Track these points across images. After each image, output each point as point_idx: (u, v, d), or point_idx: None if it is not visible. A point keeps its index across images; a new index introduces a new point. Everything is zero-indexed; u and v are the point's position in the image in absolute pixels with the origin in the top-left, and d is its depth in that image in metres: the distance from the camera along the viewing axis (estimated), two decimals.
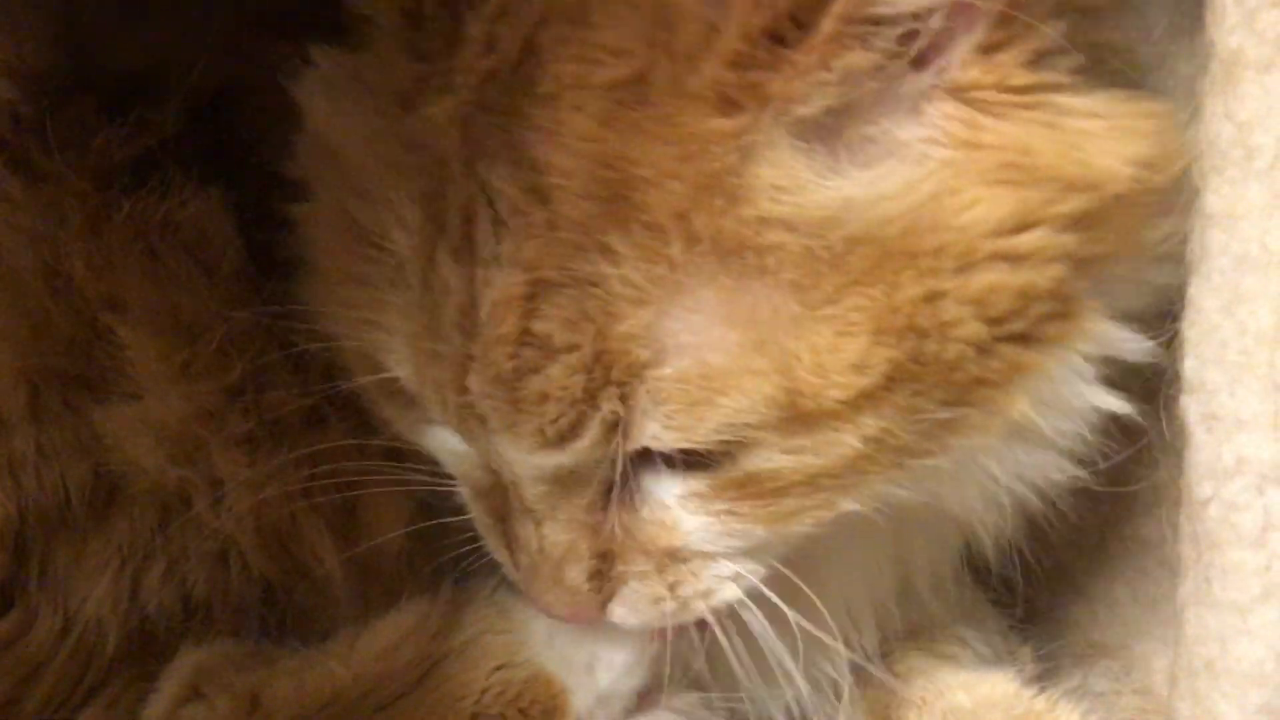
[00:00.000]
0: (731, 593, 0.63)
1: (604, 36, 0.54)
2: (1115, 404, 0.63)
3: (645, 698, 0.71)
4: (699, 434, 0.56)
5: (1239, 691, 0.59)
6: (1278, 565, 0.57)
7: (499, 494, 0.64)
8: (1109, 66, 0.60)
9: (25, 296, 0.72)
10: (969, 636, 0.81)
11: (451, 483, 0.68)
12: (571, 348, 0.55)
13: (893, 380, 0.55)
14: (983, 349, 0.57)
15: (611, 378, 0.55)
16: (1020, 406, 0.59)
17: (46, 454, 0.72)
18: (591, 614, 0.64)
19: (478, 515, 0.67)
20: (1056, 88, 0.56)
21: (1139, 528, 0.77)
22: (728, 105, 0.53)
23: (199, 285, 0.74)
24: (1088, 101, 0.57)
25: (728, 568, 0.62)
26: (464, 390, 0.58)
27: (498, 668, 0.70)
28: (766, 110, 0.53)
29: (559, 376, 0.55)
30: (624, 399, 0.56)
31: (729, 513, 0.60)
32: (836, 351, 0.54)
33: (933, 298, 0.55)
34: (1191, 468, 0.60)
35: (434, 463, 0.69)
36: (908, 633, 0.79)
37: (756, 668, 0.67)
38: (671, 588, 0.62)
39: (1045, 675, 0.78)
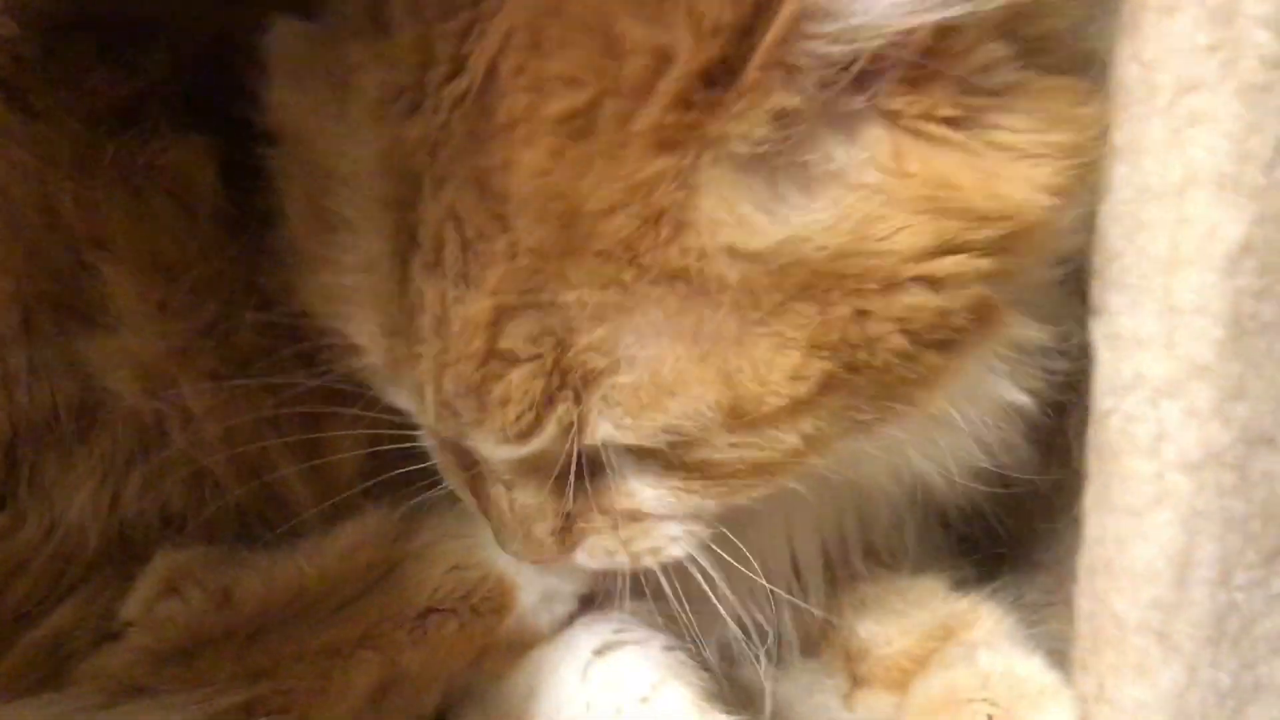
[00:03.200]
0: (679, 550, 0.68)
1: (556, 66, 0.56)
2: (1022, 399, 0.68)
3: (590, 602, 0.76)
4: (646, 434, 0.60)
5: (1134, 588, 0.64)
6: (1169, 473, 0.61)
7: (469, 456, 0.68)
8: (1047, 59, 0.61)
9: (21, 226, 0.76)
10: (923, 560, 0.85)
11: (409, 430, 0.71)
12: (533, 358, 0.59)
13: (827, 387, 0.59)
14: (907, 356, 0.60)
15: (568, 383, 0.59)
16: (939, 402, 0.64)
17: (38, 372, 0.76)
18: (555, 561, 0.69)
19: (444, 463, 0.71)
20: (982, 112, 0.58)
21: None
22: (669, 145, 0.55)
23: (179, 228, 0.77)
24: (1012, 121, 0.59)
25: (677, 528, 0.67)
26: (440, 388, 0.62)
27: (452, 568, 0.74)
28: (706, 150, 0.55)
29: (521, 383, 0.59)
30: (579, 402, 0.59)
31: (681, 489, 0.64)
32: (775, 364, 0.58)
33: (861, 315, 0.58)
34: (1095, 383, 0.64)
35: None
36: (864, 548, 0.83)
37: (692, 608, 0.72)
38: (625, 543, 0.67)
39: (986, 588, 0.82)
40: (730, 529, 0.69)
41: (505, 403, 0.60)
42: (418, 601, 0.73)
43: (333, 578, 0.74)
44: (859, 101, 0.57)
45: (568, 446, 0.62)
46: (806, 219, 0.57)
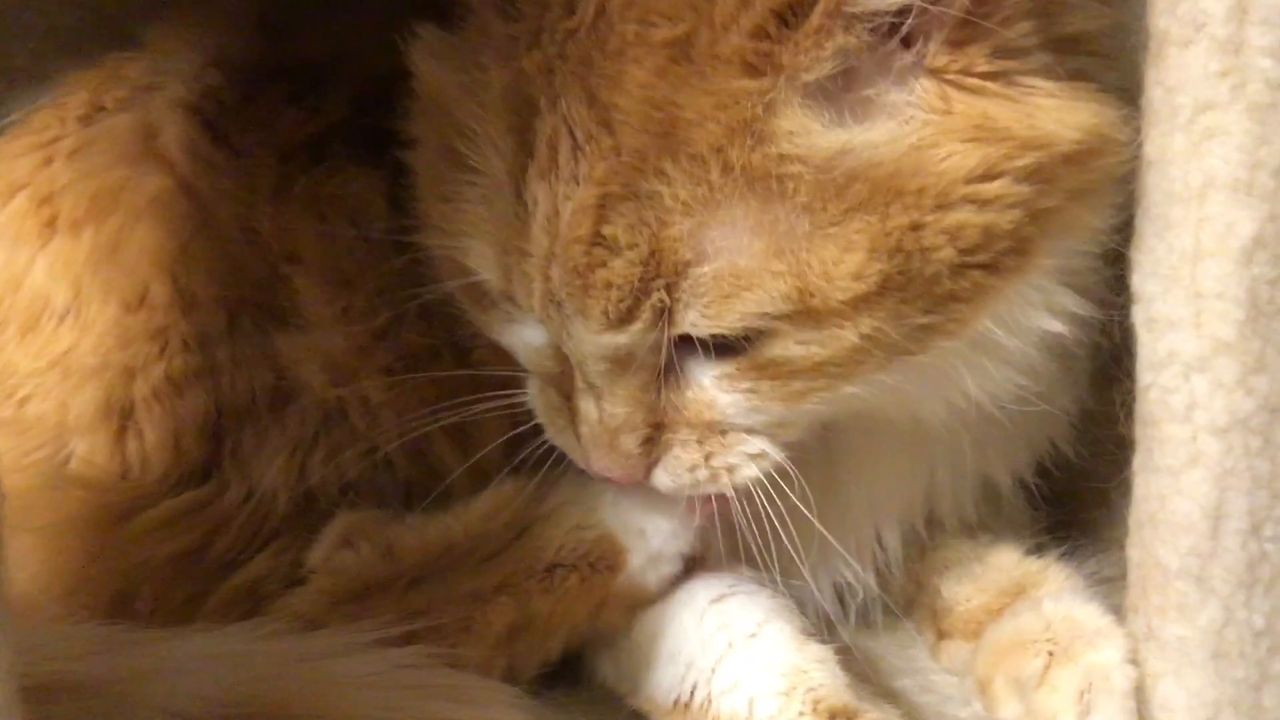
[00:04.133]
0: (753, 471, 0.74)
1: (660, 3, 0.66)
2: (1057, 326, 0.74)
3: (694, 565, 0.82)
4: (727, 321, 0.67)
5: (1174, 538, 0.71)
6: (1201, 437, 0.69)
7: (566, 379, 0.75)
8: (1072, 63, 0.69)
9: (227, 243, 0.87)
10: (1001, 531, 0.93)
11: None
12: (631, 246, 0.66)
13: (884, 288, 0.66)
14: (955, 271, 0.67)
15: (661, 272, 0.66)
16: (984, 320, 0.70)
17: (239, 364, 0.87)
18: (637, 475, 0.74)
19: (545, 403, 0.78)
20: (1015, 74, 0.67)
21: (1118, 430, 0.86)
22: (751, 69, 0.64)
23: (357, 248, 0.87)
24: (1042, 84, 0.67)
25: (754, 444, 0.73)
26: (548, 279, 0.69)
27: (574, 528, 0.81)
28: (780, 75, 0.64)
29: (621, 269, 0.67)
30: (669, 290, 0.66)
31: (752, 391, 0.70)
32: (840, 263, 0.65)
33: (916, 227, 0.65)
34: (1138, 361, 0.72)
35: (519, 387, 0.80)
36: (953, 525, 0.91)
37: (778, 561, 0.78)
38: (707, 457, 0.73)
39: (1055, 551, 0.90)
40: (816, 492, 0.76)
41: (608, 288, 0.67)
42: (545, 557, 0.80)
43: (477, 535, 0.82)
44: (908, 57, 0.66)
45: (657, 337, 0.68)
46: (867, 139, 0.65)
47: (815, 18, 0.64)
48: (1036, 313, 0.73)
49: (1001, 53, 0.66)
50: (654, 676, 0.77)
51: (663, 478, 0.74)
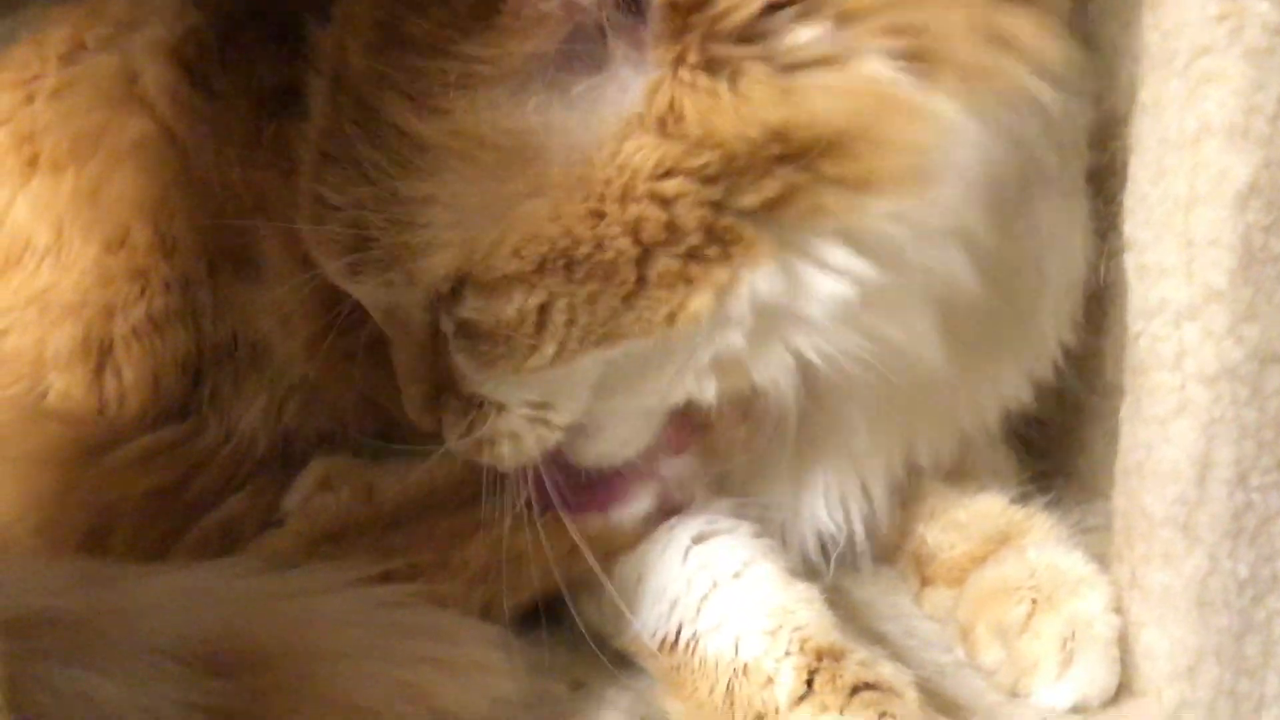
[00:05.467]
0: (507, 449, 0.74)
1: None
2: (844, 289, 0.69)
3: (672, 509, 0.81)
4: (422, 283, 0.69)
5: (1160, 487, 0.72)
6: (1189, 385, 0.69)
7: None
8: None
9: (206, 189, 0.89)
10: (986, 479, 0.92)
11: None
12: (338, 207, 0.70)
13: (543, 268, 0.66)
14: (640, 263, 0.66)
15: (370, 234, 0.69)
16: (695, 307, 0.67)
17: (220, 308, 0.89)
18: (432, 428, 0.76)
19: None
20: (735, 63, 0.64)
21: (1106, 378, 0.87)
22: (435, 50, 0.66)
23: None
24: (768, 75, 0.64)
25: (508, 422, 0.74)
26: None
27: None
28: (477, 60, 0.65)
29: (336, 228, 0.70)
30: (380, 250, 0.69)
31: (470, 355, 0.71)
32: (503, 240, 0.66)
33: (595, 215, 0.65)
34: (1129, 309, 0.72)
35: None
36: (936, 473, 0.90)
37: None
38: (469, 427, 0.74)
39: (1040, 500, 0.89)
40: (798, 443, 0.76)
41: (332, 242, 0.71)
42: (522, 496, 0.78)
43: (457, 480, 0.82)
44: (616, 42, 0.65)
45: (416, 298, 0.71)
46: (560, 126, 0.65)
47: (505, 14, 0.65)
48: (816, 281, 0.69)
49: (715, 40, 0.64)
50: (639, 617, 0.77)
51: (447, 438, 0.76)
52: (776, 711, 0.69)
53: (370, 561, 0.78)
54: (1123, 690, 0.75)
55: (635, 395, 0.75)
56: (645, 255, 0.67)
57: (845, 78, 0.65)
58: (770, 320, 0.70)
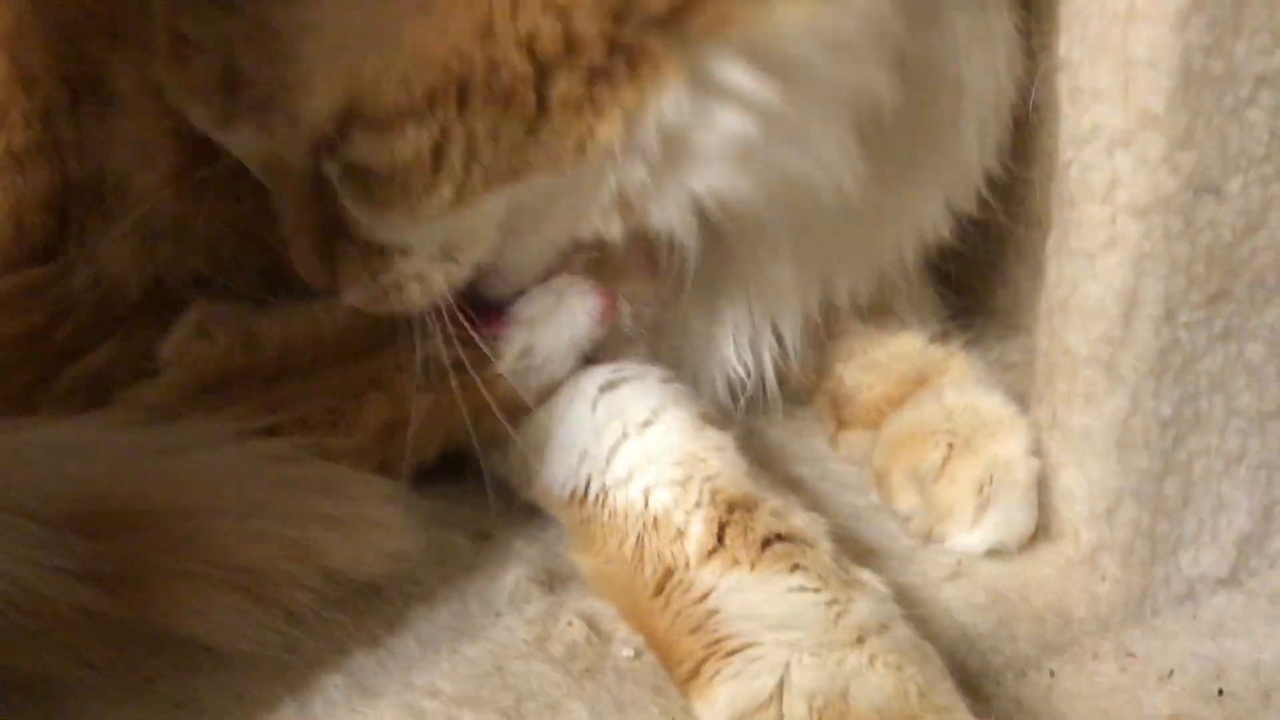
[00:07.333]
0: (416, 291, 0.71)
1: None
2: (747, 126, 0.66)
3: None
4: (308, 123, 0.65)
5: (1085, 325, 0.70)
6: (1120, 217, 0.67)
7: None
8: None
9: (63, 17, 0.82)
10: (906, 317, 0.90)
11: None
12: (201, 48, 0.65)
13: (434, 99, 0.62)
14: (539, 84, 0.62)
15: (242, 75, 0.65)
16: (606, 134, 0.64)
17: (85, 145, 0.83)
18: (323, 282, 0.72)
19: None
20: None
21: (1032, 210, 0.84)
22: None
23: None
24: None
25: (412, 265, 0.71)
26: None
27: None
28: None
29: (199, 70, 0.66)
30: (256, 92, 0.65)
31: (365, 199, 0.67)
32: (389, 67, 0.62)
33: (484, 30, 0.61)
34: (1059, 136, 0.69)
35: None
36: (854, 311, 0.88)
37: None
38: (372, 274, 0.71)
39: (959, 340, 0.87)
40: (701, 287, 0.74)
41: (198, 88, 0.67)
42: (420, 355, 0.75)
43: (347, 330, 0.79)
44: None
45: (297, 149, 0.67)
46: None
47: None
48: (719, 110, 0.66)
49: None
50: (547, 469, 0.75)
51: (344, 290, 0.73)
52: (686, 566, 0.67)
53: (254, 415, 0.74)
54: (1040, 532, 0.74)
55: (543, 233, 0.73)
56: (543, 75, 0.63)
57: None
58: (673, 154, 0.67)
